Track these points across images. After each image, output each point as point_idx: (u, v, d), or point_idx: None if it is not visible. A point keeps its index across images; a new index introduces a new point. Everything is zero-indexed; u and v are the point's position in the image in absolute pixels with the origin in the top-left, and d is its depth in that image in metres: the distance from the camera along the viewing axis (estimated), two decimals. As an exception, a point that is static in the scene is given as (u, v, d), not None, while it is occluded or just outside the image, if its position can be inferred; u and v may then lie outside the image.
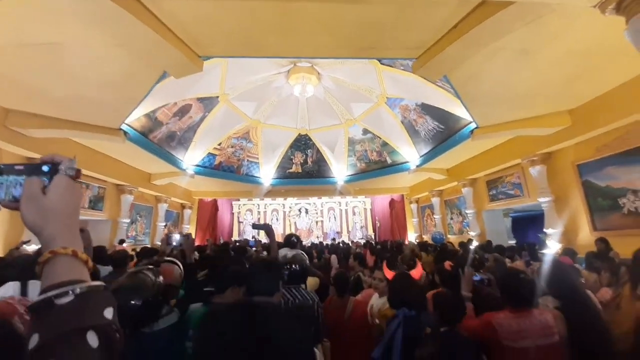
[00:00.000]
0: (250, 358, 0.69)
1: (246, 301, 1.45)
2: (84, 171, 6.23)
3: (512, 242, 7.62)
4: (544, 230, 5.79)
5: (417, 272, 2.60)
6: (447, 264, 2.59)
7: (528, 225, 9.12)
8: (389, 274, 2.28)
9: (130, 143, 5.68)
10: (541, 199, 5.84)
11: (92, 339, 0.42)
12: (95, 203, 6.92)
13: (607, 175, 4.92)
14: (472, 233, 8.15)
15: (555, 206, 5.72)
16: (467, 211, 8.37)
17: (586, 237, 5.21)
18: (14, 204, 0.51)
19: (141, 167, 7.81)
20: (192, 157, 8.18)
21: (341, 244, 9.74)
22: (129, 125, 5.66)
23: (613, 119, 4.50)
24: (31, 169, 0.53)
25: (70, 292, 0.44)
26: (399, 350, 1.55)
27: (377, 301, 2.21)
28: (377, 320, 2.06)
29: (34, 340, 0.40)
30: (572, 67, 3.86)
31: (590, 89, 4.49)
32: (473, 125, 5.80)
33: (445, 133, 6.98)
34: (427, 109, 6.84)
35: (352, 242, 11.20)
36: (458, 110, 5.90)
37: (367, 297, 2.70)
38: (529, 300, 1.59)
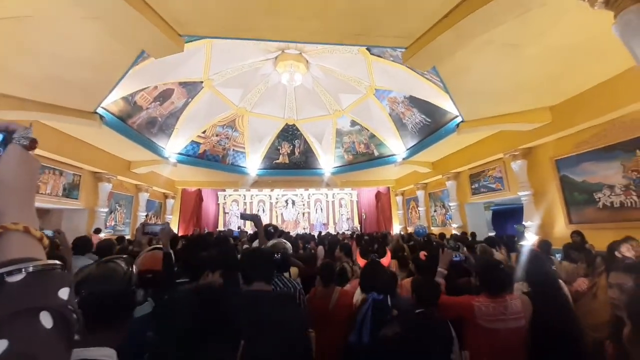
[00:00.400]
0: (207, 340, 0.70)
1: (197, 287, 1.46)
2: (57, 157, 5.89)
3: (492, 234, 7.89)
4: (523, 222, 5.99)
5: (386, 260, 2.70)
6: (422, 254, 2.81)
7: (507, 218, 9.45)
8: (362, 261, 2.40)
9: (107, 128, 5.38)
10: (521, 193, 6.02)
11: (46, 320, 0.39)
12: (70, 191, 6.57)
13: (584, 170, 5.11)
14: (454, 225, 8.35)
15: (534, 200, 5.92)
16: (450, 204, 8.55)
17: (562, 229, 5.43)
18: None
19: (120, 155, 7.45)
20: (174, 145, 7.89)
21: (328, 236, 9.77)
22: (105, 109, 5.35)
23: (592, 116, 4.64)
24: None
25: (23, 270, 0.41)
26: (369, 331, 1.67)
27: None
28: (360, 310, 2.06)
29: None
30: (557, 63, 3.93)
31: (572, 86, 4.60)
32: (459, 119, 5.86)
33: (431, 126, 7.04)
34: (415, 102, 6.86)
35: (338, 233, 11.26)
36: (445, 103, 5.94)
37: (355, 288, 2.70)
38: (504, 290, 1.76)
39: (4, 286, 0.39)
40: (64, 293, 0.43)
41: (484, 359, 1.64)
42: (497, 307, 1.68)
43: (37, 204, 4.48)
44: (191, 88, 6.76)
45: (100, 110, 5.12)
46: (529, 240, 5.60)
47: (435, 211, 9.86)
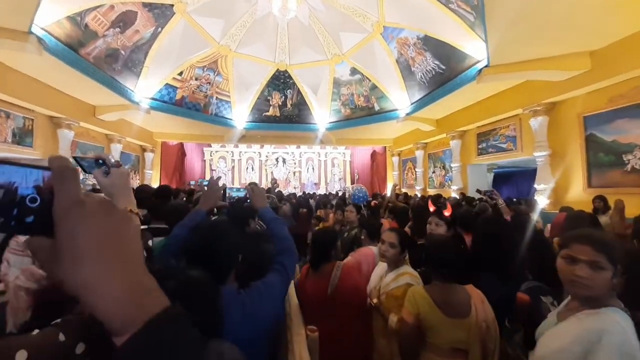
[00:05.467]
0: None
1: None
2: (-6, 94, 4.81)
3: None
4: (535, 185, 5.54)
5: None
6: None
7: (509, 181, 9.11)
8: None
9: (51, 57, 4.27)
10: (537, 154, 5.46)
11: None
12: (22, 137, 5.57)
13: (617, 128, 4.52)
14: (454, 187, 7.93)
15: (551, 161, 5.39)
16: (452, 165, 8.02)
17: (578, 193, 5.02)
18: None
19: (80, 97, 6.32)
20: (145, 87, 6.75)
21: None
22: (48, 32, 4.20)
23: (637, 65, 3.96)
24: (95, 162, 0.86)
25: None
26: None
27: (381, 272, 1.60)
28: (375, 300, 1.48)
29: None
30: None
31: (621, 26, 3.85)
32: (481, 65, 5.01)
33: (445, 75, 6.14)
34: (430, 44, 5.86)
35: (330, 194, 10.80)
36: (467, 45, 5.04)
37: (360, 259, 2.13)
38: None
39: None
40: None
41: None
42: None
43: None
44: (159, 13, 5.48)
45: (39, 32, 3.99)
46: (541, 203, 5.19)
47: (433, 172, 9.37)
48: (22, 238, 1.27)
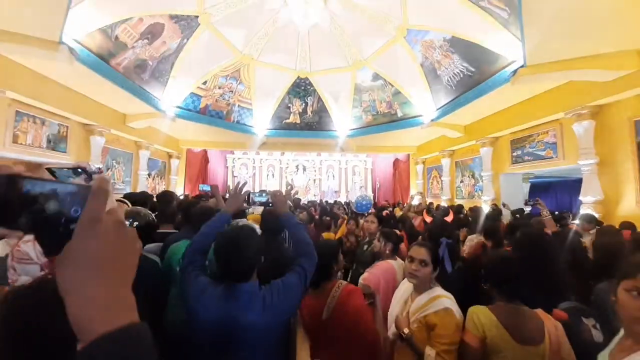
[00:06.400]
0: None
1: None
2: (31, 102, 5.13)
3: (528, 209, 6.92)
4: (580, 197, 4.97)
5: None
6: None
7: (547, 192, 8.38)
8: (428, 218, 2.76)
9: (84, 67, 4.49)
10: (583, 162, 4.91)
11: None
12: (57, 143, 5.90)
13: (677, 133, 3.96)
14: (485, 198, 7.38)
15: (599, 170, 4.82)
16: (483, 174, 7.50)
17: (629, 207, 4.43)
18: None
19: (111, 105, 6.65)
20: (171, 96, 6.97)
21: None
22: (80, 44, 4.43)
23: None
24: (73, 170, 0.92)
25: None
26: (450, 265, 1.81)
27: (405, 296, 1.37)
28: (406, 330, 1.24)
29: None
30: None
31: None
32: (516, 66, 4.63)
33: (474, 78, 5.77)
34: (457, 46, 5.54)
35: (351, 202, 10.54)
36: (499, 44, 4.68)
37: (378, 274, 1.90)
38: None
39: None
40: None
41: None
42: None
43: (18, 156, 3.84)
44: (185, 25, 5.65)
45: (71, 43, 4.20)
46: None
47: (462, 182, 8.83)
48: (24, 248, 1.24)
